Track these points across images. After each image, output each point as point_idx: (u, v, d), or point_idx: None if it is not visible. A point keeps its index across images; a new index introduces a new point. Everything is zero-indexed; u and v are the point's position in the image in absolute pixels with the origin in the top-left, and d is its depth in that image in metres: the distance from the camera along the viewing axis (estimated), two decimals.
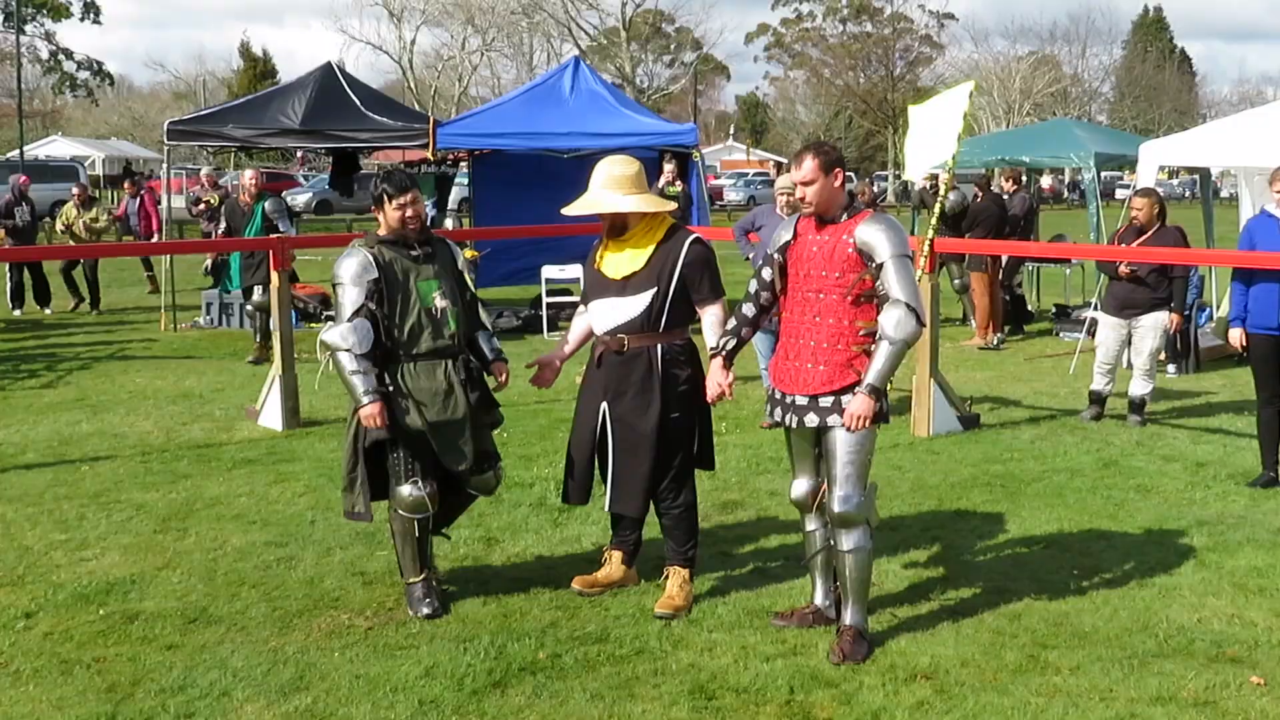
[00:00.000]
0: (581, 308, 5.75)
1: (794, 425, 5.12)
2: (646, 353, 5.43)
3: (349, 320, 5.30)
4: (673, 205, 5.64)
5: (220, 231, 13.33)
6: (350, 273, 5.34)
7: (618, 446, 5.50)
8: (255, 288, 12.42)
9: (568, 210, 5.65)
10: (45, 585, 5.87)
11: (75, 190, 18.34)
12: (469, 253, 12.98)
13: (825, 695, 4.67)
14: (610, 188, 5.43)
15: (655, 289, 5.40)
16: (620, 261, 5.47)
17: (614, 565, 5.79)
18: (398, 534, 5.54)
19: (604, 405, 5.51)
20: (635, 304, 5.42)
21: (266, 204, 12.85)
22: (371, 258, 5.38)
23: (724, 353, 5.35)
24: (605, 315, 5.50)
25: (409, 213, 5.43)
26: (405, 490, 5.44)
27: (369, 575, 5.99)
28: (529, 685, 4.75)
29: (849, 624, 5.07)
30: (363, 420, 5.31)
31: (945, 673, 4.85)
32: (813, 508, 5.31)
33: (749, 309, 5.31)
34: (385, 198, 5.44)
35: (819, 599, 5.39)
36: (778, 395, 5.19)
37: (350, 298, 5.32)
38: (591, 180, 5.51)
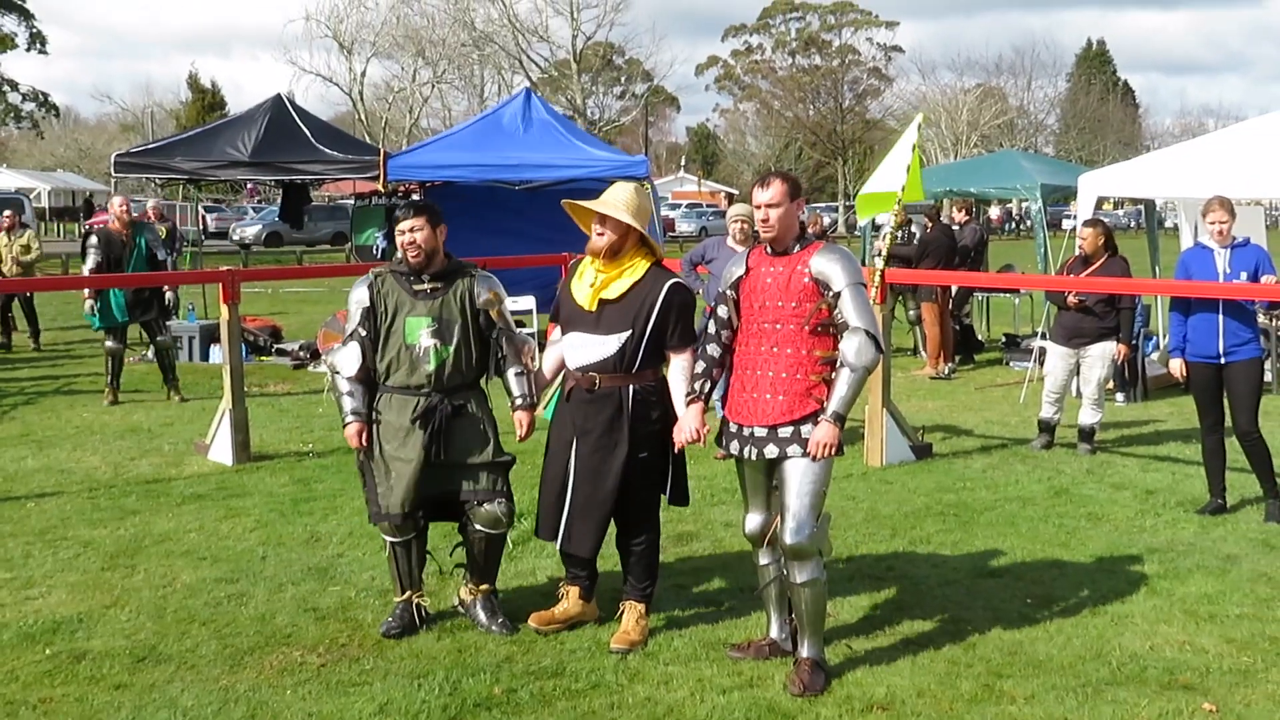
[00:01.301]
0: (556, 334, 5.66)
1: (752, 457, 5.09)
2: (618, 393, 5.37)
3: (344, 343, 5.55)
4: (660, 250, 5.59)
5: (93, 264, 11.91)
6: (352, 298, 5.61)
7: (578, 486, 5.43)
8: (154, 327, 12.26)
9: (578, 202, 5.49)
10: None
11: (5, 217, 17.07)
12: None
13: None
14: (629, 210, 5.33)
15: (630, 332, 5.33)
16: (590, 286, 5.40)
17: (571, 601, 5.72)
18: (386, 549, 5.73)
19: (574, 442, 5.45)
20: (609, 344, 5.35)
21: (148, 235, 12.31)
22: (368, 287, 5.56)
23: (701, 396, 5.27)
24: (578, 351, 5.44)
25: (406, 239, 5.46)
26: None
27: (321, 611, 5.92)
28: None
29: (806, 655, 5.06)
30: (347, 440, 5.56)
31: (901, 703, 4.86)
32: (765, 542, 5.31)
33: (714, 349, 5.24)
34: (395, 224, 5.55)
35: (774, 632, 5.38)
36: (733, 428, 5.17)
37: (349, 323, 5.60)
38: (608, 193, 5.43)
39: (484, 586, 5.70)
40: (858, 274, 5.02)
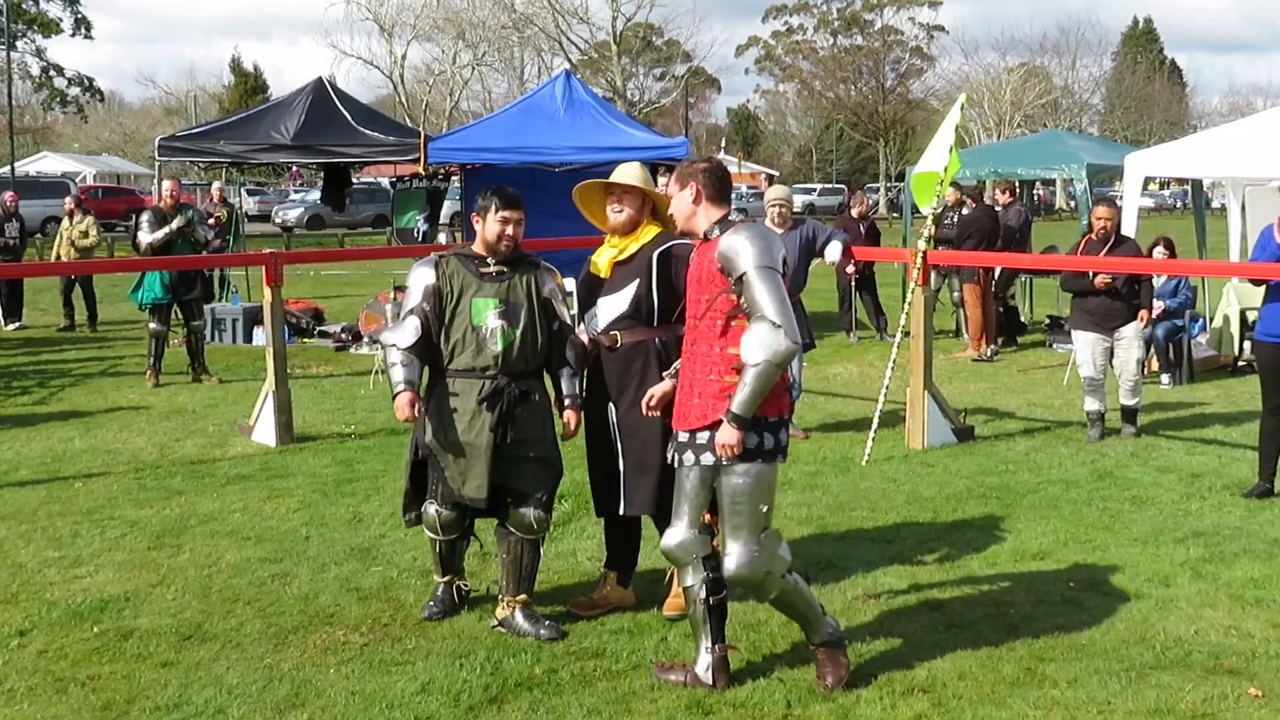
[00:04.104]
0: (580, 324, 5.68)
1: (676, 464, 4.78)
2: (644, 346, 5.39)
3: (402, 319, 5.48)
4: (674, 223, 5.44)
5: (150, 229, 12.25)
6: (414, 277, 5.50)
7: (626, 448, 5.39)
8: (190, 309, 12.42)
9: (589, 182, 5.60)
10: (39, 603, 5.84)
11: (68, 202, 17.72)
12: None
13: (822, 709, 4.65)
14: (640, 181, 5.43)
15: (638, 281, 5.37)
16: (608, 257, 5.49)
17: (611, 585, 5.72)
18: (428, 539, 5.70)
19: (610, 407, 5.44)
20: (622, 298, 5.40)
21: (194, 219, 12.65)
22: (434, 267, 5.45)
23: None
24: (600, 315, 5.48)
25: (509, 231, 5.37)
26: (429, 508, 5.52)
27: (364, 591, 5.97)
28: (525, 701, 4.73)
29: (815, 643, 4.84)
30: (395, 411, 5.42)
31: (943, 686, 4.84)
32: (689, 561, 4.82)
33: None
34: (492, 208, 5.38)
35: (700, 666, 4.85)
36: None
37: (409, 301, 5.48)
38: (616, 172, 5.49)
39: (520, 597, 5.51)
40: (766, 256, 4.51)
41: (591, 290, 5.57)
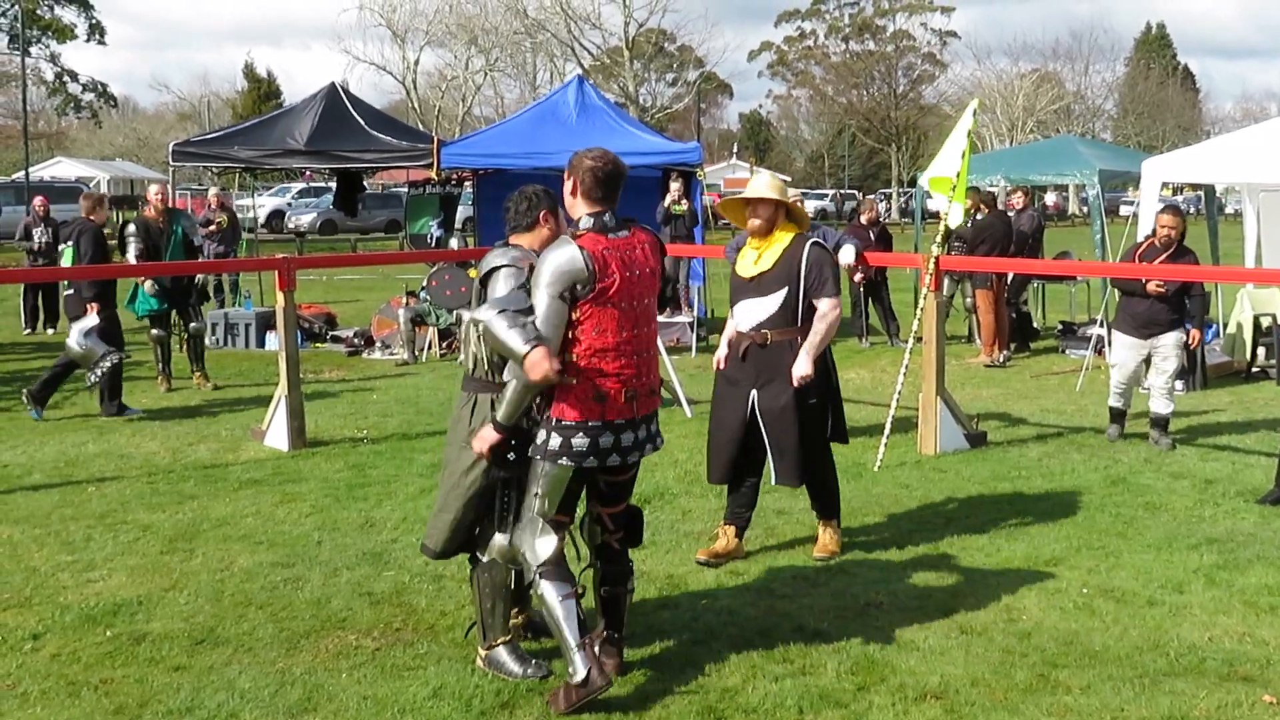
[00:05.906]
0: (729, 317, 6.56)
1: None
2: (790, 345, 6.21)
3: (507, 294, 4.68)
4: (807, 220, 6.44)
5: (136, 252, 11.74)
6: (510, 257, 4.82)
7: (772, 429, 6.24)
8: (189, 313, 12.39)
9: (730, 197, 6.50)
10: (52, 607, 5.86)
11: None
12: (472, 272, 12.76)
13: (834, 715, 4.65)
14: (772, 191, 6.22)
15: (787, 288, 6.19)
16: (751, 262, 6.31)
17: (729, 538, 6.43)
18: (488, 588, 4.97)
19: (753, 393, 6.26)
20: (771, 303, 6.22)
21: (184, 223, 12.43)
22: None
23: None
24: (748, 313, 6.30)
25: None
26: (501, 540, 4.92)
27: (376, 596, 5.97)
28: (537, 706, 4.73)
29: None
30: (535, 368, 4.44)
31: (955, 692, 4.83)
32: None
33: None
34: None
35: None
36: None
37: (507, 281, 4.72)
38: (750, 184, 6.34)
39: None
40: (554, 282, 4.56)
41: (738, 291, 6.39)
